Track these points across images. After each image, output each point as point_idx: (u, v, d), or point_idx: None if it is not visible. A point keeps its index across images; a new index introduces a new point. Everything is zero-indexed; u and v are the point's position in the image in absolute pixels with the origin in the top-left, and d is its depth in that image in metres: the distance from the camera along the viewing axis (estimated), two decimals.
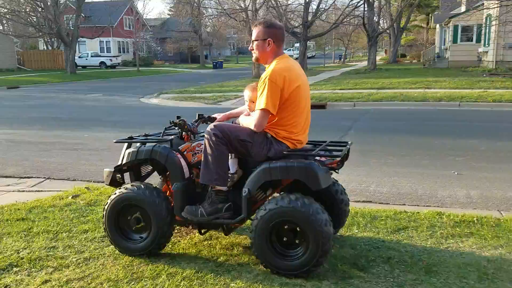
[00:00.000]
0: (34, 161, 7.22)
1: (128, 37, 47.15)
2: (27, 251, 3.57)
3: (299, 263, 2.98)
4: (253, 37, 3.21)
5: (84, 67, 41.23)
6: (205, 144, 3.16)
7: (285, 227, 3.04)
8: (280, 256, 3.05)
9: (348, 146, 3.34)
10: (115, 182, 3.59)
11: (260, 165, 3.09)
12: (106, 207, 3.42)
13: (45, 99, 18.06)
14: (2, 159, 7.37)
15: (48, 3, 32.32)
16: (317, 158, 3.12)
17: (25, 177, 6.31)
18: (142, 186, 3.35)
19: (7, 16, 37.42)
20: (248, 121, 3.17)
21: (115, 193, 3.40)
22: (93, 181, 5.96)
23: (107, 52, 48.42)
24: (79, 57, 40.33)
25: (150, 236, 3.32)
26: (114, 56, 45.08)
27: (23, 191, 5.65)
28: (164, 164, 3.33)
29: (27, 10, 35.53)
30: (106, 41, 48.73)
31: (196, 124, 3.60)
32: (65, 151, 7.98)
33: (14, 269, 3.26)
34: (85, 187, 5.44)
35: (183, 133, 3.48)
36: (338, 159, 3.12)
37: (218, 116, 3.70)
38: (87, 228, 4.07)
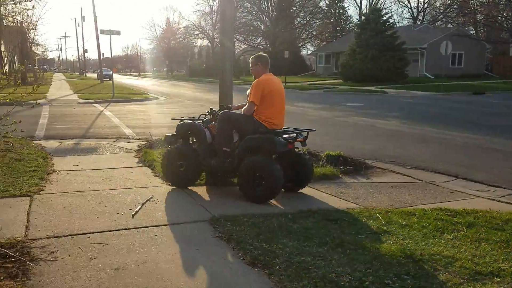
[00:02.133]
0: (503, 171, 7.05)
1: None
2: (507, 264, 3.48)
3: (260, 194, 5.02)
4: (251, 64, 5.47)
5: None
6: (217, 122, 5.36)
7: (257, 174, 5.03)
8: (252, 189, 5.06)
9: (306, 131, 5.47)
10: (171, 144, 5.91)
11: (247, 137, 5.15)
12: (163, 156, 5.82)
13: (508, 107, 17.35)
14: (471, 163, 7.60)
15: None
16: (285, 136, 5.19)
17: (493, 186, 6.25)
18: (183, 145, 5.72)
19: (483, 22, 38.07)
20: (243, 109, 5.36)
21: (168, 148, 5.93)
22: None
23: None
24: None
25: (189, 173, 5.58)
26: None
27: (493, 199, 5.58)
28: (197, 132, 5.55)
29: (504, 14, 34.87)
30: None
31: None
32: None
33: (496, 278, 3.23)
34: None
35: (212, 117, 5.63)
36: (294, 137, 5.29)
37: (233, 106, 5.92)
38: None
